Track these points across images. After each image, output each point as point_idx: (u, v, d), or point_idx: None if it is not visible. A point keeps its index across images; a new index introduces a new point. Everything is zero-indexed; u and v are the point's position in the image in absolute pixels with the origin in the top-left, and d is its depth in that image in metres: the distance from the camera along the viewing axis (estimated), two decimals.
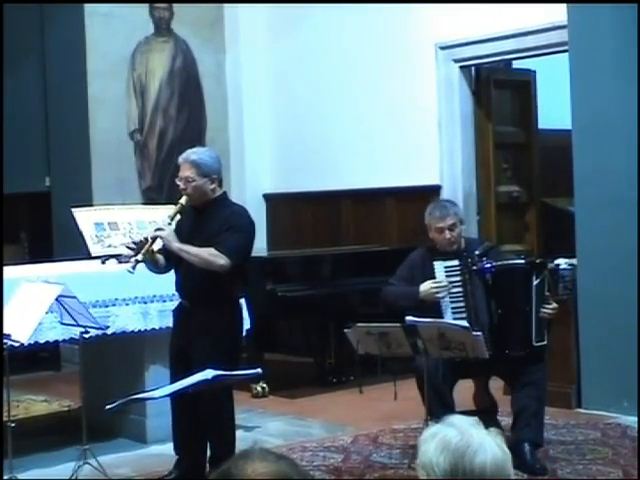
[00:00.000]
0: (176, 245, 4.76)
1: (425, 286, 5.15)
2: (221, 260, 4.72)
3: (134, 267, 4.76)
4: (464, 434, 1.94)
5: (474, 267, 5.13)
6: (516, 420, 5.09)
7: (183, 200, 4.86)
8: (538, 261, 5.30)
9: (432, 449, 1.94)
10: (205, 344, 4.77)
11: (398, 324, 4.92)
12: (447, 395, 5.11)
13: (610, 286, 6.16)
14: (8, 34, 8.53)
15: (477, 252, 5.24)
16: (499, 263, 5.17)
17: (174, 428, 5.06)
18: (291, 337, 8.27)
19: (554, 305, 5.13)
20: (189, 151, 4.96)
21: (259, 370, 4.71)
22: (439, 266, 5.18)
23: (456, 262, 5.18)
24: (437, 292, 5.13)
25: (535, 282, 5.05)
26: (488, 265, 5.12)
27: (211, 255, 4.72)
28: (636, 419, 5.74)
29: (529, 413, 5.05)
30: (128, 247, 4.91)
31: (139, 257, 4.76)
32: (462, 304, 5.17)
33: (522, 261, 5.31)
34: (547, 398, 5.30)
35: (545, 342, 5.13)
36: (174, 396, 4.56)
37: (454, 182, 7.92)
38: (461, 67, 7.87)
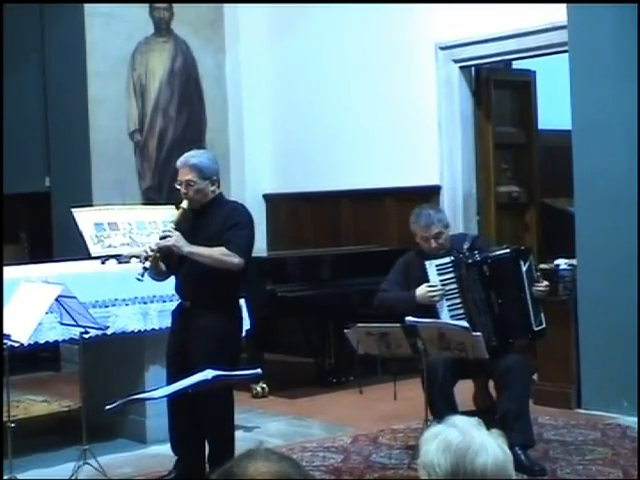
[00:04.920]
0: (187, 249, 4.75)
1: (421, 290, 5.18)
2: (235, 259, 4.74)
3: (143, 275, 4.76)
4: (465, 435, 1.94)
5: (469, 261, 5.18)
6: (501, 426, 5.06)
7: (185, 204, 4.86)
8: (522, 248, 5.40)
9: (433, 449, 1.94)
10: (205, 344, 4.77)
11: (398, 324, 4.93)
12: (452, 395, 5.12)
13: (610, 286, 6.16)
14: (8, 34, 8.53)
15: (466, 246, 5.29)
16: (490, 255, 5.24)
17: (171, 428, 5.05)
18: (291, 337, 8.26)
19: (545, 283, 5.25)
20: (187, 155, 4.95)
21: (259, 370, 4.72)
22: (430, 265, 5.21)
23: (447, 259, 5.21)
24: (433, 296, 5.15)
25: (524, 268, 5.14)
26: (480, 257, 5.19)
27: (224, 255, 4.73)
28: (636, 419, 5.74)
29: (510, 417, 5.02)
30: (142, 259, 4.85)
31: (147, 264, 4.75)
32: (458, 300, 5.20)
33: (507, 250, 5.32)
34: (530, 394, 5.34)
35: (544, 325, 5.25)
36: (173, 397, 4.56)
37: (454, 182, 7.93)
38: (461, 67, 7.86)
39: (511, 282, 5.17)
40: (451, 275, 5.20)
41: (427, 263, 5.21)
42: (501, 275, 5.19)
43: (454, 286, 5.20)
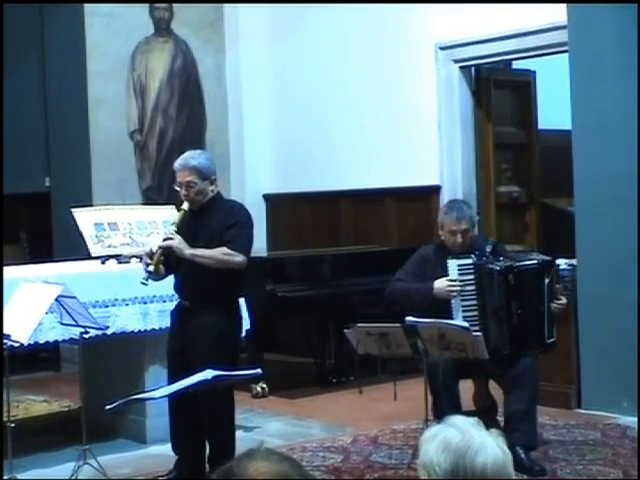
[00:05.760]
0: (188, 252, 4.76)
1: (440, 283, 5.12)
2: (237, 258, 4.76)
3: (147, 279, 4.78)
4: (465, 434, 1.94)
5: (491, 266, 5.13)
6: (506, 425, 5.06)
7: (185, 206, 4.88)
8: (548, 259, 5.32)
9: (433, 449, 1.94)
10: (205, 344, 4.77)
11: (398, 324, 4.92)
12: (456, 390, 5.11)
13: (610, 286, 6.16)
14: (8, 34, 8.53)
15: (488, 249, 5.25)
16: (517, 264, 5.18)
17: (172, 428, 5.06)
18: (291, 337, 8.26)
19: (564, 300, 5.24)
20: (186, 156, 4.95)
21: (259, 370, 4.72)
22: (452, 264, 5.15)
23: (470, 260, 5.15)
24: (452, 291, 5.12)
25: (546, 281, 5.11)
26: (507, 265, 5.11)
27: (226, 255, 4.75)
28: (636, 419, 5.74)
29: (517, 418, 5.02)
30: (144, 260, 4.86)
31: (151, 268, 4.76)
32: (474, 302, 5.15)
33: (535, 261, 5.27)
34: (539, 396, 5.31)
35: (555, 338, 5.24)
36: (174, 396, 4.56)
37: (454, 182, 7.92)
38: (461, 67, 7.87)
39: (533, 294, 5.12)
40: (471, 277, 5.14)
41: (450, 261, 5.15)
42: (525, 286, 5.12)
43: (472, 288, 5.15)
